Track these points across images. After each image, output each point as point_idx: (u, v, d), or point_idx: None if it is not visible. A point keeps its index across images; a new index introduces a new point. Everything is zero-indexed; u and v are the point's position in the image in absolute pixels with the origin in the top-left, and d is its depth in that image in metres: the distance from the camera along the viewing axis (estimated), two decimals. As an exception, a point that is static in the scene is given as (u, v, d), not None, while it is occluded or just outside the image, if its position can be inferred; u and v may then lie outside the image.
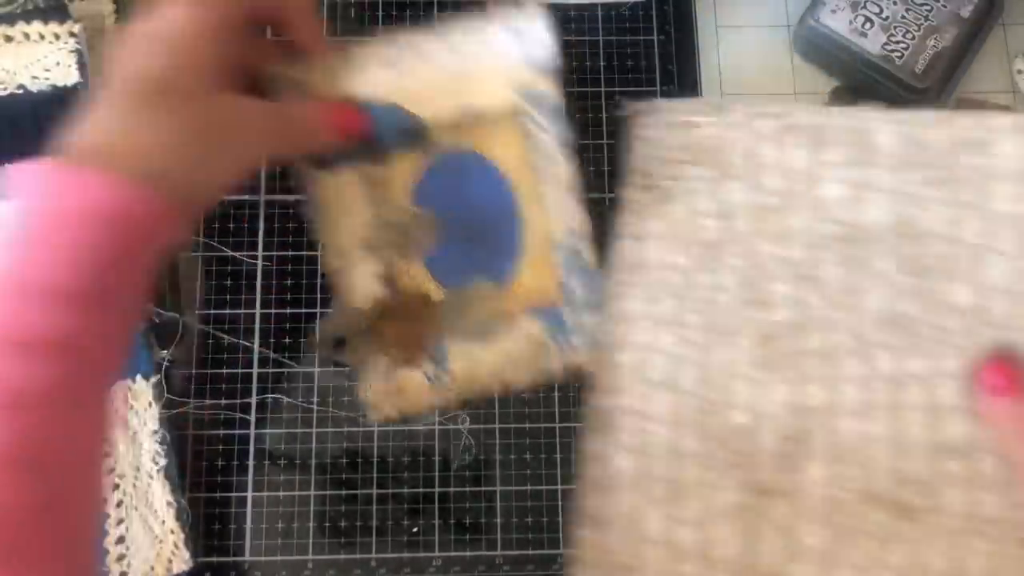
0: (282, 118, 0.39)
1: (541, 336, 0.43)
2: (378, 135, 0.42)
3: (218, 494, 0.46)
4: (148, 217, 0.34)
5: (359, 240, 0.43)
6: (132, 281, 0.35)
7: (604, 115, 0.52)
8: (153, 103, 0.35)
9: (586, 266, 0.42)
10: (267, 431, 0.47)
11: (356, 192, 0.43)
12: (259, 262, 0.49)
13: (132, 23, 0.36)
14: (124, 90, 0.35)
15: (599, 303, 0.42)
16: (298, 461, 0.47)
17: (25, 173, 0.33)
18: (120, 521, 0.44)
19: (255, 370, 0.47)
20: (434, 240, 0.44)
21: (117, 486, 0.45)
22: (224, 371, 0.47)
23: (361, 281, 0.43)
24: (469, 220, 0.44)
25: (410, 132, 0.42)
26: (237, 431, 0.47)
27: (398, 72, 0.42)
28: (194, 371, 0.47)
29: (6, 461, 0.30)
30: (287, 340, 0.48)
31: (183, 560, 0.44)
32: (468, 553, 0.45)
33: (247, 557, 0.45)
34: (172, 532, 0.45)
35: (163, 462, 0.45)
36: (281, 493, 0.46)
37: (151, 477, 0.45)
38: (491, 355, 0.43)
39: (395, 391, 0.43)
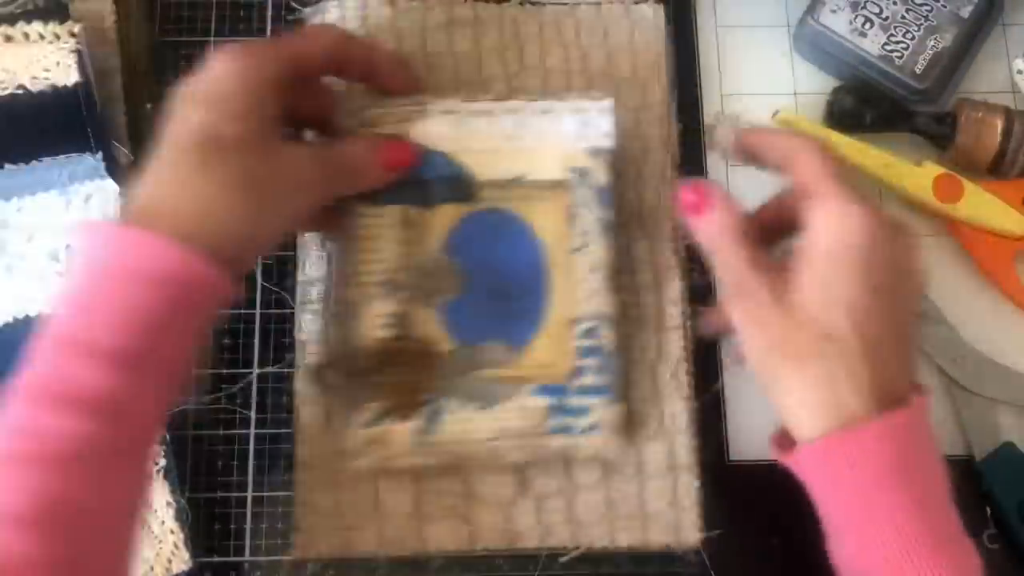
0: (332, 162, 0.41)
1: (542, 414, 0.43)
2: (426, 178, 0.44)
3: (218, 494, 0.46)
4: (198, 280, 0.35)
5: (382, 278, 0.43)
6: (180, 343, 0.36)
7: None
8: (200, 161, 0.36)
9: (604, 351, 0.43)
10: (267, 431, 0.47)
11: (392, 231, 0.44)
12: (259, 261, 0.49)
13: (184, 83, 0.38)
14: (174, 148, 0.36)
15: (610, 389, 0.43)
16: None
17: (88, 231, 0.35)
18: (120, 521, 0.44)
19: (255, 369, 0.47)
20: (457, 291, 0.44)
21: (117, 486, 0.45)
22: (224, 371, 0.47)
23: (372, 320, 0.43)
24: (496, 280, 0.45)
25: (458, 182, 0.44)
26: (237, 431, 0.47)
27: (462, 128, 0.44)
28: (194, 371, 0.47)
29: (25, 518, 0.31)
30: (287, 340, 0.48)
31: (183, 560, 0.44)
32: (468, 553, 0.45)
33: (247, 557, 0.45)
34: (172, 532, 0.44)
35: (163, 462, 0.45)
36: (281, 493, 0.46)
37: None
38: (486, 423, 0.43)
39: (377, 440, 0.43)
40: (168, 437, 0.45)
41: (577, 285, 0.44)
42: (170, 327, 0.35)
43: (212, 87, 0.37)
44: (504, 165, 0.44)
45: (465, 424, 0.43)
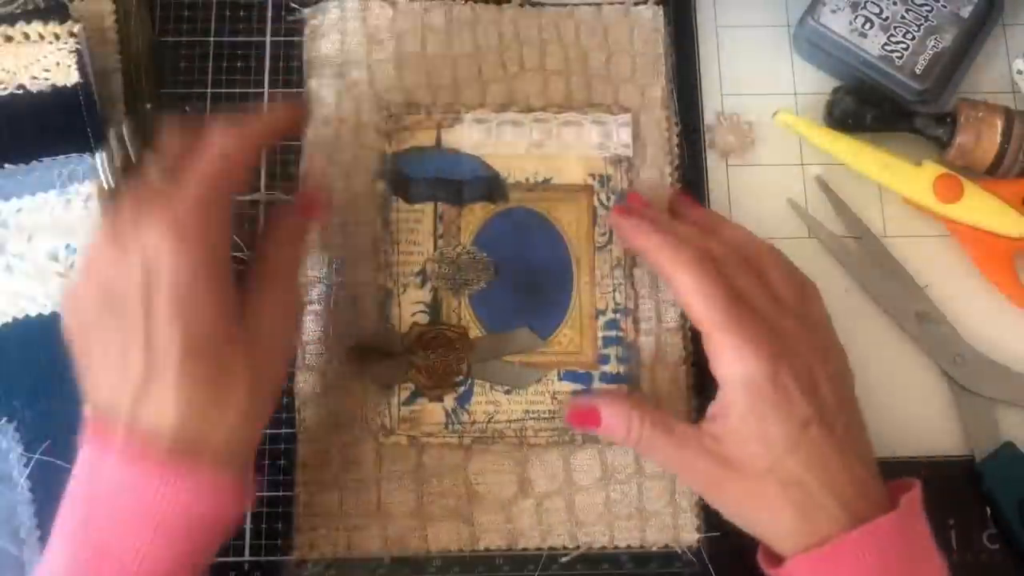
0: (282, 279, 0.40)
1: (567, 398, 0.46)
2: (459, 179, 0.48)
3: (218, 494, 0.46)
4: (235, 505, 0.36)
5: (417, 268, 0.48)
6: (210, 556, 0.37)
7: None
8: (208, 382, 0.35)
9: (625, 341, 0.47)
10: (267, 431, 0.47)
11: (427, 226, 0.48)
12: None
13: (104, 247, 0.36)
14: (169, 366, 0.34)
15: (630, 377, 0.47)
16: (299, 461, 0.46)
17: (99, 450, 0.35)
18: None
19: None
20: (487, 282, 0.47)
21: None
22: (224, 371, 0.47)
23: (407, 307, 0.47)
24: (524, 273, 0.48)
25: (489, 183, 0.48)
26: (237, 431, 0.47)
27: (493, 135, 0.49)
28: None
29: None
30: (287, 340, 0.48)
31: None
32: (468, 553, 0.45)
33: (247, 557, 0.45)
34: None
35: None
36: (281, 493, 0.46)
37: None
38: (514, 406, 0.46)
39: (411, 419, 0.46)
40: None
41: (600, 280, 0.48)
42: (207, 550, 0.36)
43: (172, 281, 0.34)
44: (532, 169, 0.49)
45: (495, 406, 0.46)
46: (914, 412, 0.48)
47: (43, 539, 0.44)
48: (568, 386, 0.46)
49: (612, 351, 0.47)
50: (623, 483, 0.45)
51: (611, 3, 0.52)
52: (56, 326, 0.45)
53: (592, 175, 0.49)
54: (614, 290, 0.48)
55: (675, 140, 0.50)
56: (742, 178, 0.51)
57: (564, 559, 0.45)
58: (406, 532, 0.45)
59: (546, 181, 0.49)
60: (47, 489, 0.44)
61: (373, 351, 0.46)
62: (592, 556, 0.45)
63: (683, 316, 0.48)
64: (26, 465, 0.44)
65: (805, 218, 0.50)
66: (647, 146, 0.50)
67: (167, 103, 0.51)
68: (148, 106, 0.50)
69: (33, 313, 0.46)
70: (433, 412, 0.46)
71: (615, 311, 0.47)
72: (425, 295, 0.47)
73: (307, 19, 0.51)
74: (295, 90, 0.51)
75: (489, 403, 0.46)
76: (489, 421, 0.46)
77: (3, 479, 0.44)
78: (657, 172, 0.49)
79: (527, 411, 0.46)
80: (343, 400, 0.46)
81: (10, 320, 0.46)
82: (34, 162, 0.47)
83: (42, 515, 0.44)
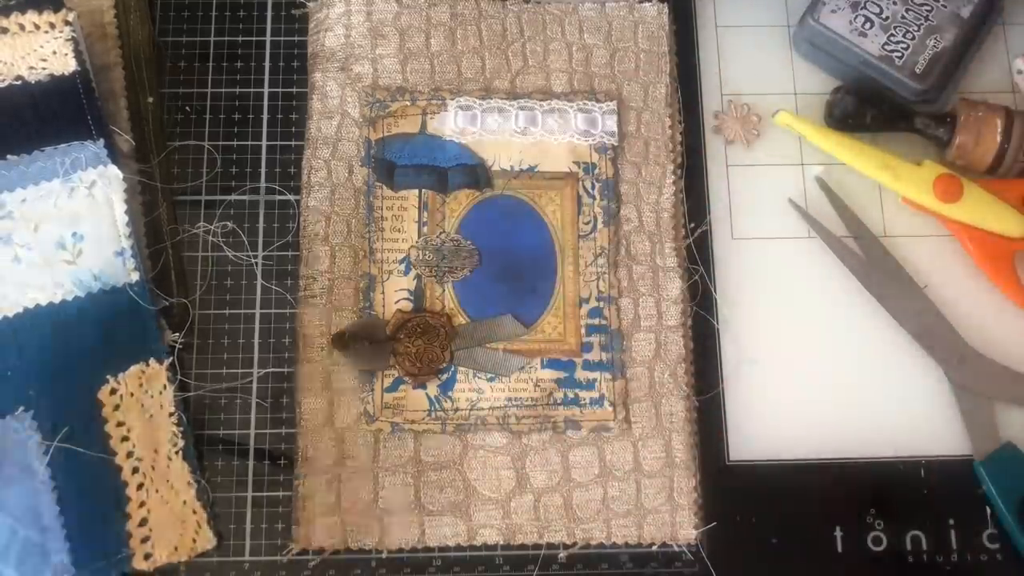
0: None
1: (550, 386, 0.46)
2: (443, 166, 0.48)
3: (218, 494, 0.46)
4: None
5: (401, 256, 0.48)
6: None
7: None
8: None
9: (608, 329, 0.47)
10: (267, 431, 0.47)
11: (411, 213, 0.48)
12: (259, 262, 0.49)
13: None
14: None
15: (614, 365, 0.47)
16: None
17: None
18: (141, 503, 0.44)
19: (255, 369, 0.47)
20: (471, 270, 0.47)
21: (136, 469, 0.44)
22: (224, 371, 0.47)
23: (391, 294, 0.47)
24: (508, 260, 0.48)
25: (473, 171, 0.49)
26: (237, 431, 0.46)
27: (478, 122, 0.49)
28: (194, 370, 0.47)
29: None
30: (287, 340, 0.48)
31: (207, 539, 0.44)
32: (468, 553, 0.45)
33: (247, 557, 0.45)
34: (194, 512, 0.44)
35: (181, 443, 0.45)
36: (281, 493, 0.46)
37: (170, 458, 0.44)
38: (497, 392, 0.46)
39: (395, 404, 0.46)
40: (185, 418, 0.45)
41: (584, 268, 0.48)
42: None
43: None
44: (517, 157, 0.49)
45: (478, 393, 0.46)
46: (914, 412, 0.48)
47: (66, 526, 0.43)
48: (551, 374, 0.46)
49: (595, 339, 0.47)
50: (621, 480, 0.45)
51: (616, 0, 0.52)
52: (67, 314, 0.45)
53: (577, 162, 0.49)
54: (598, 278, 0.48)
55: (678, 138, 0.50)
56: (742, 178, 0.51)
57: (562, 556, 0.45)
58: (404, 526, 0.45)
59: (531, 168, 0.49)
60: (68, 476, 0.44)
61: (357, 338, 0.46)
62: (591, 555, 0.45)
63: (683, 314, 0.48)
64: (45, 453, 0.44)
65: (805, 218, 0.50)
66: (650, 144, 0.50)
67: (168, 102, 0.51)
68: (150, 100, 0.50)
69: (43, 302, 0.45)
70: (416, 399, 0.46)
71: (599, 299, 0.47)
72: (409, 282, 0.47)
73: (311, 12, 0.51)
74: (295, 89, 0.51)
75: (472, 390, 0.46)
76: (472, 408, 0.46)
77: (24, 468, 0.44)
78: (660, 169, 0.49)
79: (510, 398, 0.46)
80: (340, 391, 0.46)
81: (21, 310, 0.45)
82: (36, 152, 0.46)
83: (64, 502, 0.43)
